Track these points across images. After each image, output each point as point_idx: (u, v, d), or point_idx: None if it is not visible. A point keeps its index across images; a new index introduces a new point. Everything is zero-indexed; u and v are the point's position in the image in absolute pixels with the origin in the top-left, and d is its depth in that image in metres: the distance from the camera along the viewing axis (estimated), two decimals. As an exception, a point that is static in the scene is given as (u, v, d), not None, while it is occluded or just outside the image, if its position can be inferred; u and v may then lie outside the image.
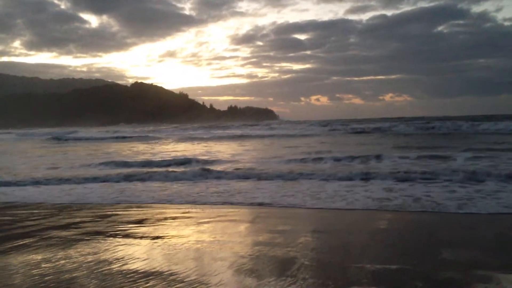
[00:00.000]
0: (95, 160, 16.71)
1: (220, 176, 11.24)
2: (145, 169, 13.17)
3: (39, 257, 4.92)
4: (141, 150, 23.63)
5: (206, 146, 25.02)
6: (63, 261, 4.72)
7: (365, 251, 4.93)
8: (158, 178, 11.39)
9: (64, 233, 6.10)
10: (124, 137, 40.23)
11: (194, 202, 8.37)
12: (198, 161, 15.11)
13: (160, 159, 16.62)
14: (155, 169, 13.12)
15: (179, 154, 19.29)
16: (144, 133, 46.57)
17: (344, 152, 16.00)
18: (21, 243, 5.57)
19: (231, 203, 8.10)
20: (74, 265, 4.58)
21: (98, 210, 7.89)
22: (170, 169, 13.02)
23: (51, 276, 4.24)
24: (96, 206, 8.31)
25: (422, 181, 9.39)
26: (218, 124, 63.97)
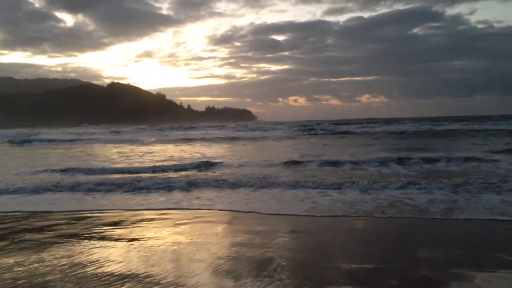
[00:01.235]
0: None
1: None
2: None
3: (11, 260, 4.81)
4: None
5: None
6: (36, 265, 4.63)
7: (341, 251, 4.98)
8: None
9: (37, 236, 5.98)
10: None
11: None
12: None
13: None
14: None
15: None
16: (91, 135, 41.61)
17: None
18: (-7, 246, 5.43)
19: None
20: (48, 268, 4.50)
21: (73, 213, 7.74)
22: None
23: (24, 280, 4.15)
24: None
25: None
26: (192, 124, 62.56)
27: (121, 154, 20.16)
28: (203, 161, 14.32)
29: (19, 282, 4.11)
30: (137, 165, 14.79)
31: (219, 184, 10.00)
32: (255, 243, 5.31)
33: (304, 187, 9.29)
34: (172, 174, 11.95)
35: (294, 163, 13.61)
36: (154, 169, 13.04)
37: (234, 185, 9.83)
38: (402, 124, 39.86)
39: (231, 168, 13.15)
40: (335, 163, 13.10)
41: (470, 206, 7.14)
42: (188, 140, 30.08)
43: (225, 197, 8.67)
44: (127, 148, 24.48)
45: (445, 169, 11.64)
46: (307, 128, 39.60)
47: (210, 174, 11.92)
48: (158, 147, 24.62)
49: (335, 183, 9.38)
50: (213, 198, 8.64)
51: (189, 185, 9.94)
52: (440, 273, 4.15)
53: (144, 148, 24.20)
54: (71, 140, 33.75)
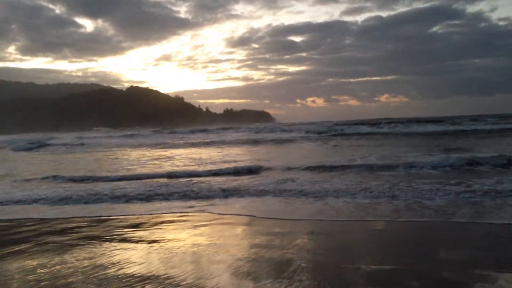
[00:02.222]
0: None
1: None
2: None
3: (34, 262, 4.90)
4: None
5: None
6: (58, 266, 4.71)
7: (361, 252, 4.94)
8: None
9: (59, 238, 6.07)
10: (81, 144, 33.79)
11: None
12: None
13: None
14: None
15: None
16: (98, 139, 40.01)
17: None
18: (17, 249, 5.54)
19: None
20: (70, 270, 4.56)
21: (94, 215, 7.84)
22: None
23: (47, 282, 4.23)
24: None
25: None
26: (210, 127, 62.07)
27: (158, 158, 18.96)
28: (253, 165, 13.28)
29: (42, 284, 4.19)
30: (191, 168, 13.85)
31: (282, 192, 8.82)
32: (274, 244, 5.30)
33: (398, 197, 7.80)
34: (231, 177, 11.32)
35: (344, 167, 12.03)
36: (214, 172, 12.23)
37: (300, 193, 8.62)
38: (436, 124, 36.07)
39: (287, 172, 11.91)
40: (389, 167, 11.56)
41: None
42: (218, 143, 28.48)
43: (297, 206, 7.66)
44: (157, 152, 23.50)
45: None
46: (332, 129, 38.10)
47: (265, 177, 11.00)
48: (193, 150, 23.75)
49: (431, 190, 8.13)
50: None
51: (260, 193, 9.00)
52: (462, 274, 4.09)
53: (179, 151, 23.51)
54: (82, 144, 33.80)
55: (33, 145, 33.36)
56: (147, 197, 9.06)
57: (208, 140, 31.14)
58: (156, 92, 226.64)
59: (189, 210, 7.75)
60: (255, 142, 27.91)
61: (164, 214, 7.52)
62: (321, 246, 5.24)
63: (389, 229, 5.96)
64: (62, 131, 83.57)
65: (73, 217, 7.53)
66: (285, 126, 46.86)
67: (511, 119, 38.94)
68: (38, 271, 4.59)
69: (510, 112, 68.98)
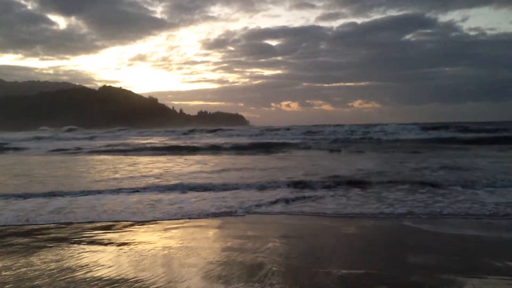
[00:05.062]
0: None
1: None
2: None
3: (-1, 265, 4.76)
4: None
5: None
6: (24, 269, 4.58)
7: (333, 257, 4.97)
8: None
9: (25, 239, 5.91)
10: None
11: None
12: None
13: None
14: None
15: None
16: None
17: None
18: (-20, 250, 5.36)
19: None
20: (36, 273, 4.45)
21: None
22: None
23: (11, 285, 4.11)
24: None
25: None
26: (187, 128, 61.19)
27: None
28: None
29: (7, 286, 4.06)
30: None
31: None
32: (246, 248, 5.29)
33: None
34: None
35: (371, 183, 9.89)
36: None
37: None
38: (436, 130, 34.75)
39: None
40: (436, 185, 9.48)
41: None
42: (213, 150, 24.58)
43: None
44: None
45: None
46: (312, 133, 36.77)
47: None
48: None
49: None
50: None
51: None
52: (431, 279, 4.17)
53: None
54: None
55: None
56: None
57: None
58: (129, 92, 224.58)
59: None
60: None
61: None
62: (292, 250, 5.25)
63: (360, 233, 6.04)
64: (31, 130, 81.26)
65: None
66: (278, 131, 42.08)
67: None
68: (3, 273, 4.45)
69: (482, 120, 70.80)
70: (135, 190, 9.65)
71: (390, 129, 36.03)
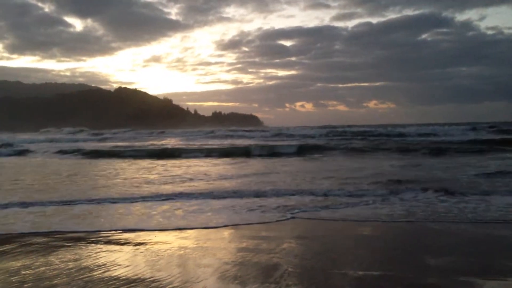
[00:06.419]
0: None
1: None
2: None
3: (18, 263, 4.83)
4: None
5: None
6: (43, 268, 4.64)
7: (348, 258, 4.95)
8: None
9: (44, 239, 5.99)
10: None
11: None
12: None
13: None
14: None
15: None
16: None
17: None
18: (0, 249, 5.45)
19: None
20: (55, 272, 4.51)
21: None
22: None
23: (31, 284, 4.17)
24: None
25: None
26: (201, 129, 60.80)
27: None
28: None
29: (26, 285, 4.12)
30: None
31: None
32: (261, 249, 5.29)
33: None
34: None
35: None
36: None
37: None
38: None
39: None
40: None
41: None
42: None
43: None
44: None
45: None
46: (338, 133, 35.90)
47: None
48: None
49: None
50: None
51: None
52: (449, 281, 4.12)
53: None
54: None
55: None
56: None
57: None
58: (144, 93, 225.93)
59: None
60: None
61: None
62: (308, 251, 5.24)
63: (376, 234, 6.00)
64: (46, 132, 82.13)
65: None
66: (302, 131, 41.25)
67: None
68: (22, 272, 4.52)
69: (498, 120, 69.91)
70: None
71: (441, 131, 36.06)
